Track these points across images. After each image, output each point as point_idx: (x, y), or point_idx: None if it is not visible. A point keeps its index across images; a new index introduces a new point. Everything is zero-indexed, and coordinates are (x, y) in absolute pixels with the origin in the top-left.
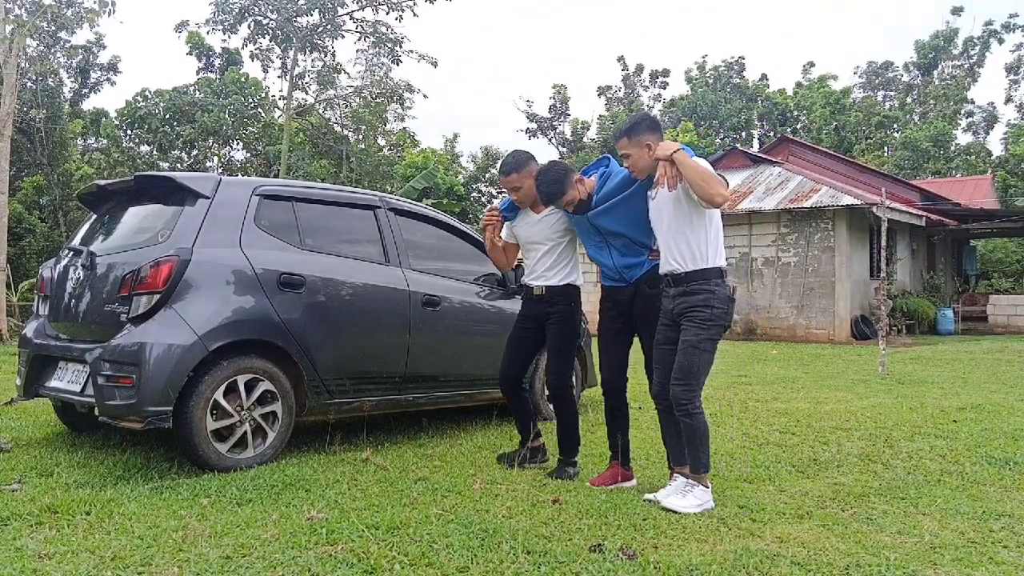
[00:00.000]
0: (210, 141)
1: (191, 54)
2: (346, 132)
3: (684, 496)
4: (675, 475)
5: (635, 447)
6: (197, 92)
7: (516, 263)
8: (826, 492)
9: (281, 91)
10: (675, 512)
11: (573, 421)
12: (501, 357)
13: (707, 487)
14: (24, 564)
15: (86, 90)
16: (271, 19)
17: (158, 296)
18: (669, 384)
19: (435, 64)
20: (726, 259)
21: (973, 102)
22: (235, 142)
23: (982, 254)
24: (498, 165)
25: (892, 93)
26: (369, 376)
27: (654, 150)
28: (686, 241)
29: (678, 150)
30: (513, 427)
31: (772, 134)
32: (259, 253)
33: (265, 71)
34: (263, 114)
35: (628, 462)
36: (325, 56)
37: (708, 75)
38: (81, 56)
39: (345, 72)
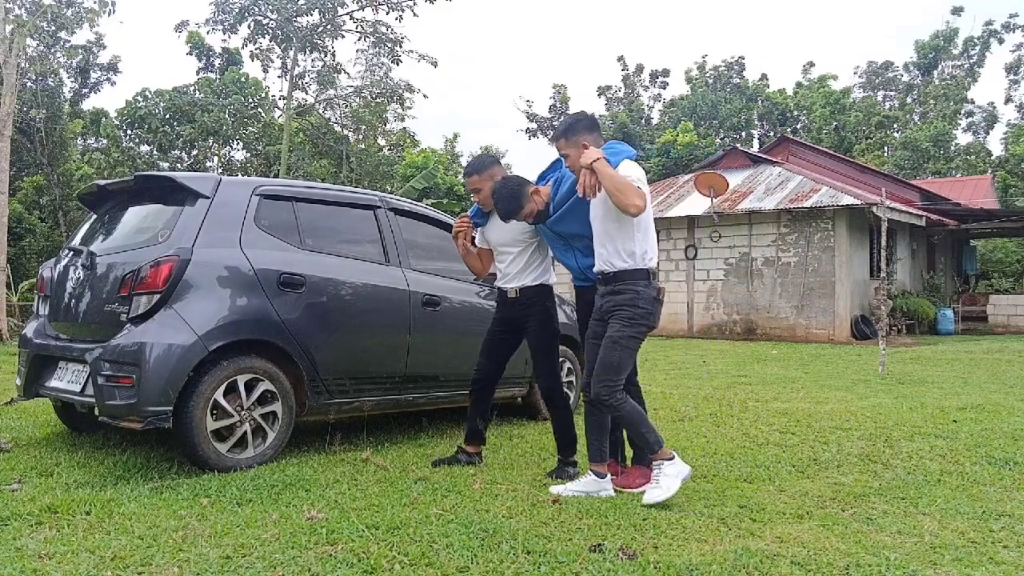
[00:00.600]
0: (210, 141)
1: (191, 54)
2: (346, 132)
3: (658, 483)
4: (590, 471)
5: None
6: (197, 92)
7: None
8: (826, 492)
9: (281, 91)
10: (661, 506)
11: (568, 420)
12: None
13: (671, 457)
14: (24, 564)
15: (86, 90)
16: (271, 19)
17: (158, 296)
18: (590, 377)
19: (435, 64)
20: (728, 259)
21: (973, 102)
22: (235, 142)
23: (982, 254)
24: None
25: (892, 93)
26: (369, 376)
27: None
28: (614, 242)
29: (598, 159)
30: (511, 427)
31: (772, 134)
32: (259, 253)
33: (265, 71)
34: (263, 114)
35: (623, 457)
36: (325, 56)
37: (708, 75)
38: (81, 56)
39: (345, 72)
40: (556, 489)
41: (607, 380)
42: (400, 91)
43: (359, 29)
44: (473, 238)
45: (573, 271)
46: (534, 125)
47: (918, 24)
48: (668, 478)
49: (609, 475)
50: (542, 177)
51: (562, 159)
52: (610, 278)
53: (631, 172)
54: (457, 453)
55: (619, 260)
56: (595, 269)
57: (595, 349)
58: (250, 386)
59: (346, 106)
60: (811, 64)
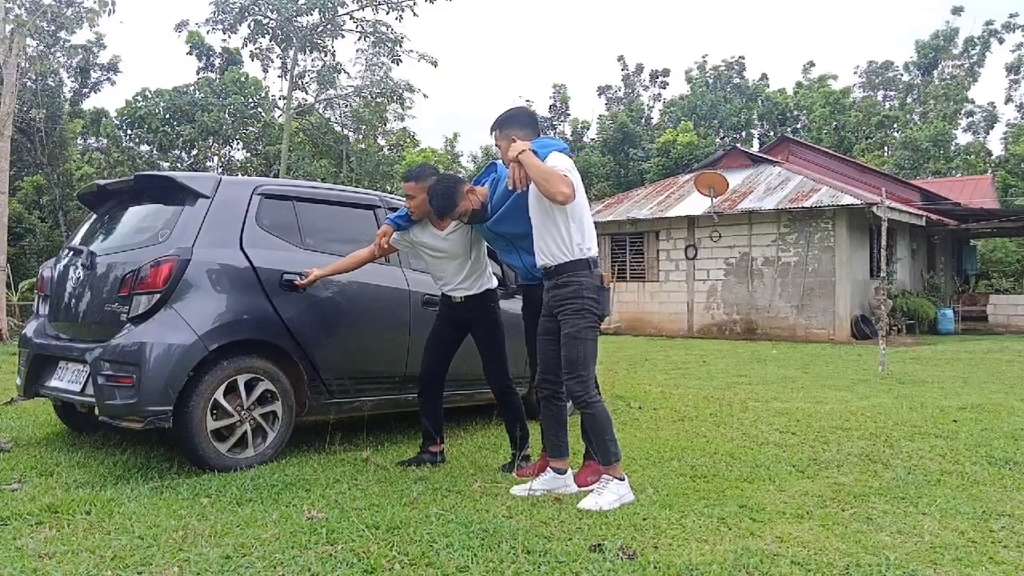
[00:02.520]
0: (210, 141)
1: (191, 54)
2: (346, 132)
3: (600, 494)
4: (548, 468)
5: (635, 447)
6: (197, 92)
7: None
8: (826, 492)
9: (281, 91)
10: (597, 511)
11: (518, 415)
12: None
13: (622, 478)
14: (24, 564)
15: (86, 90)
16: (271, 19)
17: (158, 296)
18: (546, 375)
19: (435, 64)
20: (728, 259)
21: (973, 102)
22: (235, 142)
23: (982, 254)
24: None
25: (892, 93)
26: (369, 376)
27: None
28: (551, 235)
29: (523, 151)
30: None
31: (772, 134)
32: (260, 253)
33: (265, 71)
34: (263, 114)
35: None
36: (325, 56)
37: (708, 75)
38: (81, 56)
39: (345, 72)
40: (518, 490)
41: (577, 376)
42: (400, 91)
43: (359, 29)
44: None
45: (519, 270)
46: None
47: (918, 24)
48: (609, 494)
49: (570, 471)
50: (478, 180)
51: (495, 163)
52: (552, 272)
53: (558, 162)
54: (421, 453)
55: (558, 253)
56: (538, 264)
57: (545, 345)
58: (250, 386)
59: (346, 106)
60: (811, 64)
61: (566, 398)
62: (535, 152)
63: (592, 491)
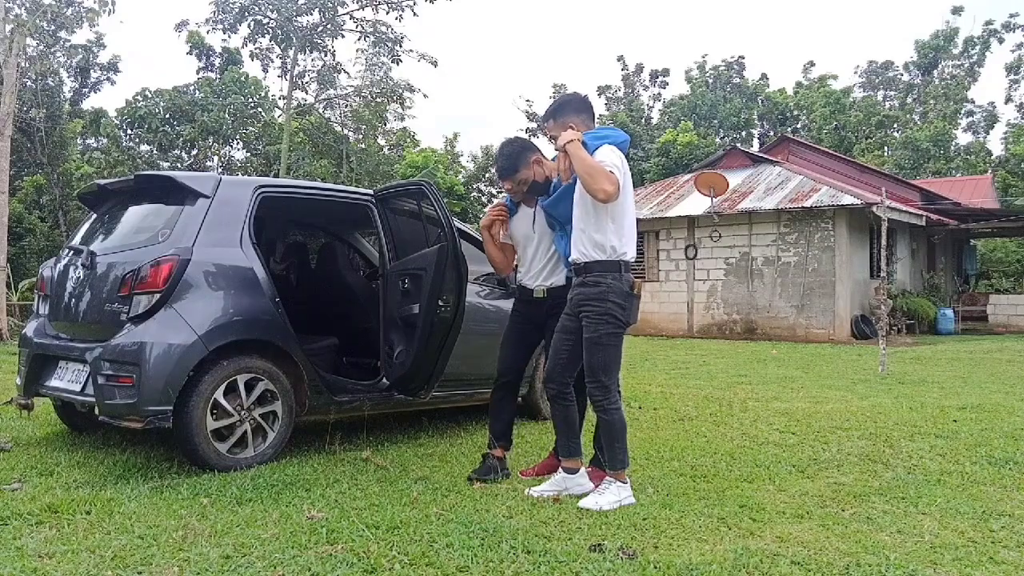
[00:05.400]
0: (210, 141)
1: (191, 54)
2: (346, 132)
3: (601, 495)
4: (560, 469)
5: (635, 447)
6: (197, 92)
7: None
8: (826, 492)
9: (281, 91)
10: (597, 511)
11: (580, 417)
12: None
13: (625, 482)
14: (24, 563)
15: (86, 90)
16: (271, 18)
17: (158, 296)
18: (554, 373)
19: (435, 64)
20: (728, 259)
21: (973, 102)
22: (235, 142)
23: (982, 254)
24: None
25: (892, 93)
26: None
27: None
28: (587, 231)
29: (571, 141)
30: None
31: (772, 134)
32: (260, 252)
33: (265, 71)
34: (263, 114)
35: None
36: (325, 56)
37: (708, 75)
38: (81, 56)
39: (345, 72)
40: (535, 491)
41: (597, 383)
42: (400, 91)
43: (359, 29)
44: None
45: (565, 257)
46: (534, 125)
47: (918, 24)
48: (610, 495)
49: (583, 469)
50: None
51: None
52: (580, 269)
53: (607, 157)
54: (487, 461)
55: (590, 250)
56: (570, 258)
57: (560, 343)
58: (250, 386)
59: (346, 106)
60: (811, 64)
61: (572, 398)
62: (585, 144)
63: (592, 492)
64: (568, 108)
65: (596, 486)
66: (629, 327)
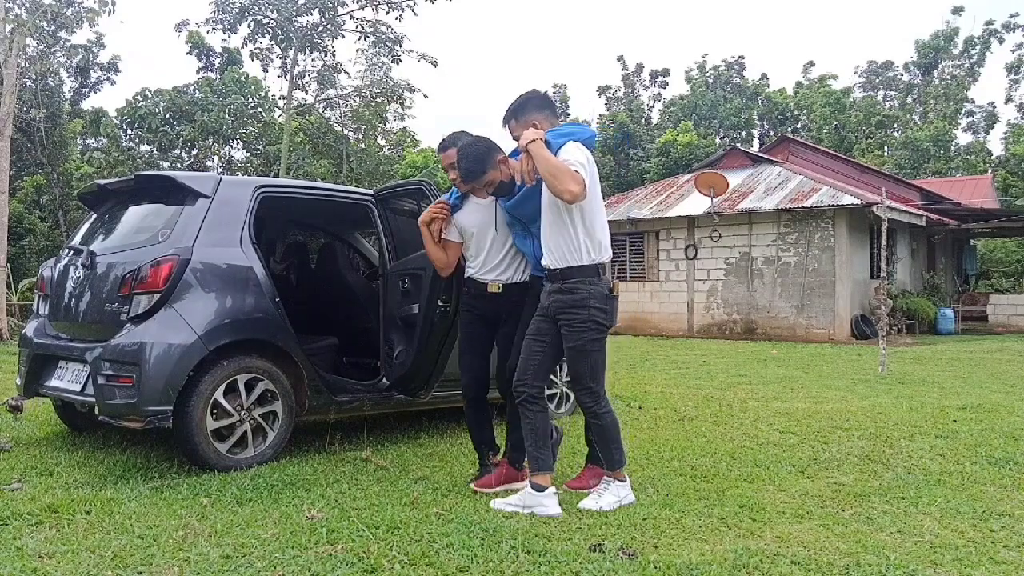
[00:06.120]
0: (210, 141)
1: (191, 54)
2: (346, 132)
3: (601, 496)
4: (527, 483)
5: (635, 447)
6: (197, 92)
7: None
8: (826, 492)
9: (281, 91)
10: (597, 511)
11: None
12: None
13: (624, 480)
14: (24, 563)
15: (86, 90)
16: (271, 18)
17: (158, 295)
18: (524, 377)
19: (435, 64)
20: (728, 259)
21: (973, 102)
22: (235, 142)
23: (982, 254)
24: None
25: (892, 93)
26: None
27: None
28: (559, 235)
29: (532, 140)
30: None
31: (772, 133)
32: (260, 252)
33: (265, 71)
34: (263, 114)
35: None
36: (325, 56)
37: (708, 75)
38: (81, 55)
39: (345, 72)
40: (495, 503)
41: (586, 389)
42: (400, 91)
43: (359, 29)
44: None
45: (529, 259)
46: None
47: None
48: (610, 496)
49: (551, 488)
50: (514, 153)
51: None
52: (556, 275)
53: (571, 155)
54: (485, 467)
55: (567, 255)
56: (543, 263)
57: (532, 346)
58: (250, 386)
59: (346, 106)
60: (811, 64)
61: (544, 405)
62: (549, 143)
63: (592, 492)
64: (530, 106)
65: (595, 485)
66: (610, 329)
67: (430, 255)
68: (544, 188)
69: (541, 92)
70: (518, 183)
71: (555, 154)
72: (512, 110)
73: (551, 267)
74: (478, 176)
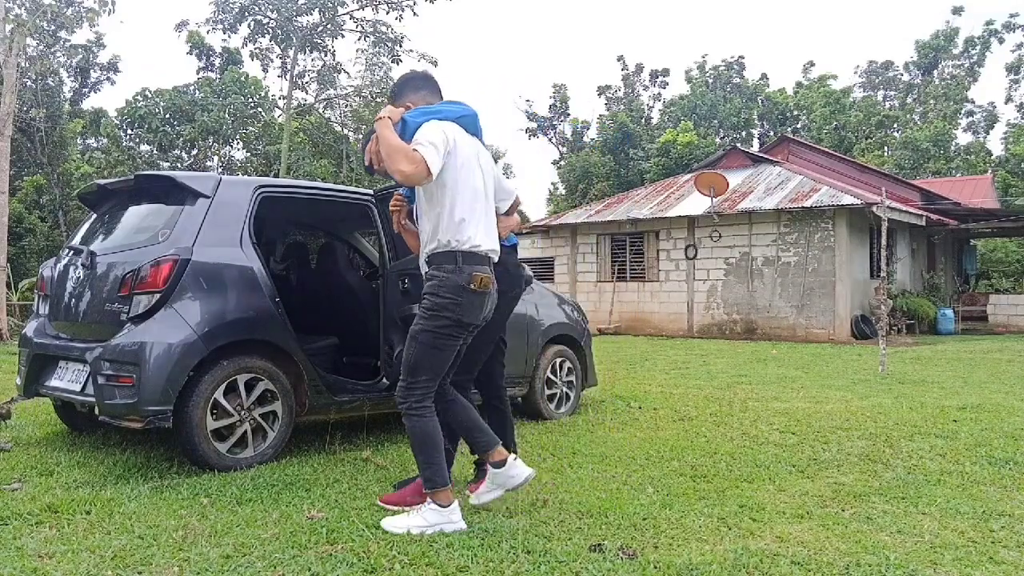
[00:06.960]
0: (210, 140)
1: (191, 54)
2: (346, 132)
3: (409, 516)
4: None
5: (635, 447)
6: (197, 92)
7: None
8: (826, 492)
9: (281, 91)
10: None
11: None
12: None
13: (445, 505)
14: (24, 563)
15: (86, 90)
16: (271, 19)
17: (158, 295)
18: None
19: (435, 64)
20: (728, 259)
21: (973, 102)
22: (235, 142)
23: (982, 254)
24: None
25: (892, 93)
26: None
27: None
28: (424, 219)
29: (379, 119)
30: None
31: (772, 133)
32: (260, 252)
33: (265, 71)
34: (263, 114)
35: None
36: (325, 56)
37: (708, 75)
38: (81, 55)
39: (345, 72)
40: (387, 524)
41: (403, 380)
42: None
43: (359, 29)
44: (409, 214)
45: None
46: (534, 125)
47: (918, 24)
48: (417, 519)
49: (455, 503)
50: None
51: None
52: (426, 261)
53: (421, 135)
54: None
55: (430, 240)
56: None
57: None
58: (250, 386)
59: (346, 106)
60: (811, 64)
61: (431, 410)
62: (407, 121)
63: (407, 513)
64: (407, 87)
65: (415, 501)
66: (471, 327)
67: (411, 248)
68: None
69: (421, 72)
70: (366, 163)
71: (416, 133)
72: (391, 93)
73: (425, 252)
74: (370, 165)
